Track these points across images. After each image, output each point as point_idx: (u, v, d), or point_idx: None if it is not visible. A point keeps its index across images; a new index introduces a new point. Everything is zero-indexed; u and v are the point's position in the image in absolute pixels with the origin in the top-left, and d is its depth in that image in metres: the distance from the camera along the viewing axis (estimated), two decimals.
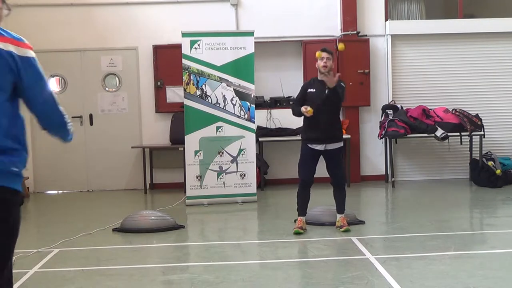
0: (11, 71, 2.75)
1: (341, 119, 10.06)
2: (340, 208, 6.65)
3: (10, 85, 2.74)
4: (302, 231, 6.46)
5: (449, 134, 9.43)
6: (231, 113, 8.45)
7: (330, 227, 6.70)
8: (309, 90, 6.48)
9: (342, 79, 9.78)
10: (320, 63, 6.43)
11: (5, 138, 2.67)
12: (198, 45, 8.38)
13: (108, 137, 9.96)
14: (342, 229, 6.48)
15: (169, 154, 9.82)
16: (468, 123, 9.54)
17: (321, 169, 10.17)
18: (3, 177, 2.67)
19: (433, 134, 9.50)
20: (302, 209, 6.64)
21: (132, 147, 9.77)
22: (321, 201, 8.27)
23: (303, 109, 6.27)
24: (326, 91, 6.20)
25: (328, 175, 6.74)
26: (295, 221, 7.05)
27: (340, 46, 6.63)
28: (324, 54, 6.42)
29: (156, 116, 9.89)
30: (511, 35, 10.20)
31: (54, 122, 3.02)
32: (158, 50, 9.88)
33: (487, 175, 9.33)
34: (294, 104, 6.66)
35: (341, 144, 6.57)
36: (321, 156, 6.57)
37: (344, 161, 6.69)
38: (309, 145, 6.48)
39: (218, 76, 8.41)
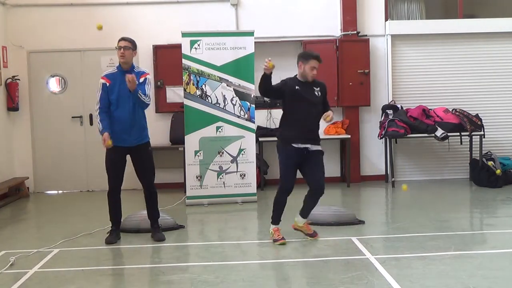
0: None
1: (341, 119, 10.16)
2: (308, 213, 6.27)
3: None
4: (285, 241, 6.13)
5: (449, 134, 9.44)
6: (231, 113, 8.45)
7: (330, 227, 6.70)
8: (297, 87, 6.09)
9: (342, 78, 9.88)
10: (311, 72, 6.11)
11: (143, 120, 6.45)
12: (198, 45, 8.39)
13: None
14: (312, 238, 6.24)
15: (169, 154, 9.81)
16: (468, 123, 9.55)
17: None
18: (146, 136, 6.48)
19: (433, 134, 9.50)
20: (279, 217, 6.25)
21: None
22: (321, 201, 8.27)
23: (265, 62, 5.78)
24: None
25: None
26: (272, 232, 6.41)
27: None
28: (316, 64, 6.13)
29: (156, 116, 9.88)
30: (511, 35, 10.20)
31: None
32: (158, 50, 9.88)
33: (487, 175, 9.33)
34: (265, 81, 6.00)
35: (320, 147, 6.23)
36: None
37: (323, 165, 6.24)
38: (294, 145, 6.01)
39: (218, 76, 8.41)
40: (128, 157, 6.42)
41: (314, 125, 6.18)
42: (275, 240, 6.18)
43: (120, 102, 6.23)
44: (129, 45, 6.34)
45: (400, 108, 9.87)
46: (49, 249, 6.12)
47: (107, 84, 6.29)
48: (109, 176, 6.41)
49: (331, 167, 10.17)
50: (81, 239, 6.56)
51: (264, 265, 5.53)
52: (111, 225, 6.51)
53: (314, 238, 6.26)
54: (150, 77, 6.60)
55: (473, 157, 9.85)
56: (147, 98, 6.30)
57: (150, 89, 6.43)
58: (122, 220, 6.70)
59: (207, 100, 8.40)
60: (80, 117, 9.99)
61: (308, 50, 6.60)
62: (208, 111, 8.42)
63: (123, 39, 6.40)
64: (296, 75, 6.29)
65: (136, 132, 6.31)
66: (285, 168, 6.11)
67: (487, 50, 10.25)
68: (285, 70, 10.13)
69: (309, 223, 6.52)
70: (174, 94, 9.86)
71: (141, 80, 6.34)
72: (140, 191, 8.28)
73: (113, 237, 6.39)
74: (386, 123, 9.58)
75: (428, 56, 10.21)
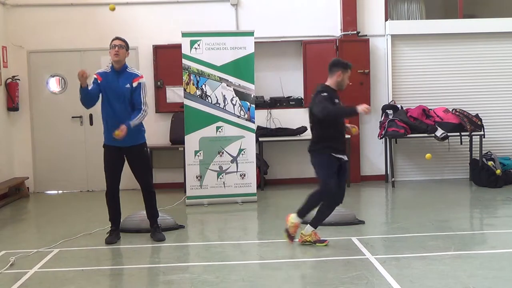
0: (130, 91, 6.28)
1: None
2: (319, 223, 6.14)
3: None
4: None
5: (449, 134, 9.43)
6: (231, 113, 8.45)
7: (330, 227, 6.70)
8: (336, 100, 6.02)
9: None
10: (347, 82, 6.13)
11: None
12: (198, 45, 8.38)
13: None
14: (322, 244, 6.03)
15: (169, 154, 9.82)
16: (468, 123, 9.54)
17: None
18: (142, 137, 6.43)
19: (433, 134, 9.50)
20: (307, 213, 6.08)
21: None
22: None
23: (364, 107, 5.70)
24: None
25: None
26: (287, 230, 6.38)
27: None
28: (349, 73, 6.12)
29: (156, 116, 9.88)
30: (511, 35, 10.20)
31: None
32: (158, 50, 9.88)
33: (487, 175, 9.33)
34: (334, 106, 5.93)
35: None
36: None
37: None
38: (334, 155, 5.95)
39: (218, 76, 8.41)
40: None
41: (344, 134, 6.22)
42: (287, 233, 6.00)
43: (111, 102, 6.21)
44: (123, 44, 6.31)
45: (400, 108, 9.87)
46: (49, 249, 6.12)
47: (99, 80, 6.26)
48: (106, 176, 6.43)
49: None
50: (81, 239, 6.55)
51: (264, 265, 5.53)
52: (110, 225, 6.51)
53: (325, 244, 6.01)
54: (144, 80, 6.41)
55: (473, 157, 9.85)
56: (143, 109, 6.22)
57: (145, 95, 6.32)
58: (122, 220, 6.71)
59: (207, 100, 8.40)
60: (80, 117, 9.99)
61: (340, 58, 6.39)
62: (208, 111, 8.41)
63: (117, 38, 6.37)
64: (327, 84, 6.09)
65: (130, 132, 6.15)
66: (329, 174, 5.93)
67: (487, 50, 10.24)
68: (285, 70, 10.27)
69: (306, 222, 6.36)
70: (174, 94, 9.86)
71: (134, 84, 6.25)
72: (140, 191, 8.33)
73: (113, 237, 6.39)
74: (386, 123, 9.58)
75: (428, 56, 10.21)
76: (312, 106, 5.99)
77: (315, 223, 6.08)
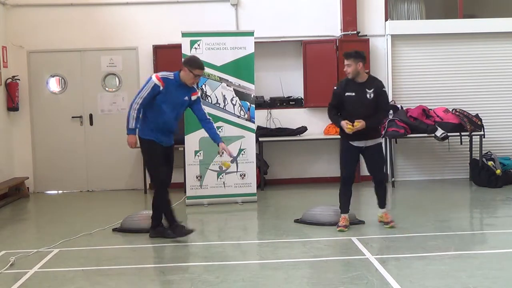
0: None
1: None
2: (382, 203, 6.91)
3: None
4: (346, 229, 6.55)
5: (449, 134, 9.43)
6: (231, 113, 8.45)
7: (330, 227, 6.70)
8: (347, 93, 6.46)
9: (342, 78, 9.88)
10: (349, 71, 6.49)
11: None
12: (198, 45, 8.39)
13: (108, 137, 9.95)
14: (387, 226, 6.76)
15: None
16: (468, 123, 9.54)
17: (322, 169, 10.19)
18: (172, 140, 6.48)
19: (433, 134, 9.50)
20: (345, 207, 6.75)
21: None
22: (321, 201, 8.27)
23: (343, 124, 6.38)
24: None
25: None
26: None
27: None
28: (345, 61, 6.50)
29: None
30: (511, 35, 10.20)
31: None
32: (158, 50, 9.87)
33: (487, 175, 9.32)
34: (332, 112, 6.64)
35: (380, 140, 6.75)
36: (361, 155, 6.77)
37: (385, 158, 6.93)
38: (350, 142, 6.55)
39: (218, 76, 8.41)
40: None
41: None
42: (337, 225, 6.63)
43: (170, 110, 6.26)
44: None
45: (400, 108, 9.86)
46: (49, 249, 6.12)
47: (161, 87, 6.20)
48: (157, 170, 6.35)
49: (331, 167, 10.17)
50: (81, 239, 6.55)
51: (264, 265, 5.53)
52: (173, 222, 6.44)
53: (390, 225, 6.72)
54: None
55: (473, 157, 9.84)
56: (210, 118, 6.71)
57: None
58: (122, 220, 6.72)
59: (207, 100, 8.40)
60: (80, 117, 9.99)
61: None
62: (208, 111, 8.36)
63: (203, 69, 6.39)
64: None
65: (173, 135, 6.50)
66: (343, 161, 6.79)
67: (487, 50, 10.24)
68: (285, 70, 10.27)
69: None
70: None
71: (193, 98, 6.46)
72: (140, 191, 8.34)
73: (180, 230, 6.42)
74: (386, 123, 9.57)
75: (428, 56, 10.21)
76: None
77: (380, 203, 6.92)
